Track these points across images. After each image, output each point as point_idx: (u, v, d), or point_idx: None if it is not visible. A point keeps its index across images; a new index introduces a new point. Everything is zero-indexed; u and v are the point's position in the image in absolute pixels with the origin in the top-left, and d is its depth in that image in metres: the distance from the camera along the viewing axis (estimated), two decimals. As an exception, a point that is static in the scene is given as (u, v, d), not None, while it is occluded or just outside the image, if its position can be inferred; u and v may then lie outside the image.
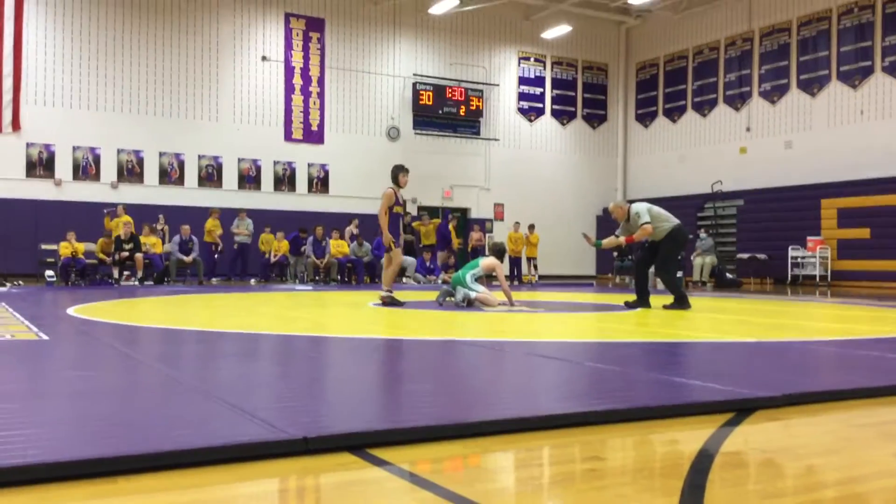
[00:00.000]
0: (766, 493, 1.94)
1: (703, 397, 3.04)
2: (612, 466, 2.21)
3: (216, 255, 17.39)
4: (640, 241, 9.31)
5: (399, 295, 9.44)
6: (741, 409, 2.93)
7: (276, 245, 17.92)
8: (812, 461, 2.30)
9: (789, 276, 18.66)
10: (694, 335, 5.91)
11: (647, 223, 8.91)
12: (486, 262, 9.27)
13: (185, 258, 16.37)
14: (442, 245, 18.95)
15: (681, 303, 8.86)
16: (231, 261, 17.70)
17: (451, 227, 19.49)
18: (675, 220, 9.08)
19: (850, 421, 2.90)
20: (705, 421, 2.76)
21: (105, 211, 16.81)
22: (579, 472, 2.16)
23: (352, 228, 18.73)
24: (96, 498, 1.85)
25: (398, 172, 9.62)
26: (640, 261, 9.58)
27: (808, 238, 18.65)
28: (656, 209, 9.11)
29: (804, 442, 2.56)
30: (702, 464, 2.20)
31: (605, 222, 24.68)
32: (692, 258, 18.53)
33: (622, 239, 9.25)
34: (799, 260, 18.60)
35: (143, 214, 17.64)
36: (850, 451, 2.46)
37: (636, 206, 9.12)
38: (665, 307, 8.84)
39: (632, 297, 9.36)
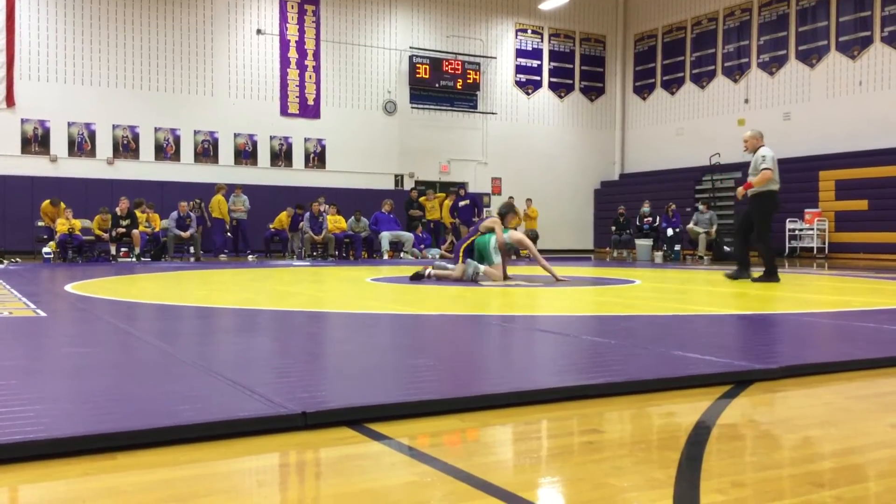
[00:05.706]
0: (762, 465, 1.95)
1: (701, 370, 3.04)
2: (609, 439, 2.22)
3: (227, 232, 17.59)
4: (743, 198, 9.13)
5: (397, 270, 9.44)
6: (738, 382, 2.94)
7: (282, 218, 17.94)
8: (809, 433, 2.31)
9: (787, 248, 18.65)
10: (691, 308, 5.92)
11: (768, 169, 8.76)
12: (514, 235, 9.26)
13: (182, 234, 16.35)
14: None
15: (769, 276, 8.68)
16: (232, 237, 17.80)
17: (446, 202, 19.47)
18: (777, 184, 8.94)
19: (847, 392, 2.91)
20: (702, 393, 2.77)
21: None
22: (577, 445, 2.17)
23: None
24: (95, 473, 1.85)
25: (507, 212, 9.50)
26: (739, 230, 9.35)
27: (806, 210, 18.60)
28: (776, 164, 8.93)
29: (801, 414, 2.57)
30: (699, 436, 2.21)
31: (603, 196, 24.68)
32: (687, 228, 18.52)
33: (740, 190, 9.13)
34: (797, 232, 18.56)
35: (141, 190, 17.63)
36: (848, 422, 2.47)
37: (764, 150, 8.94)
38: (754, 280, 8.75)
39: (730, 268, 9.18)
